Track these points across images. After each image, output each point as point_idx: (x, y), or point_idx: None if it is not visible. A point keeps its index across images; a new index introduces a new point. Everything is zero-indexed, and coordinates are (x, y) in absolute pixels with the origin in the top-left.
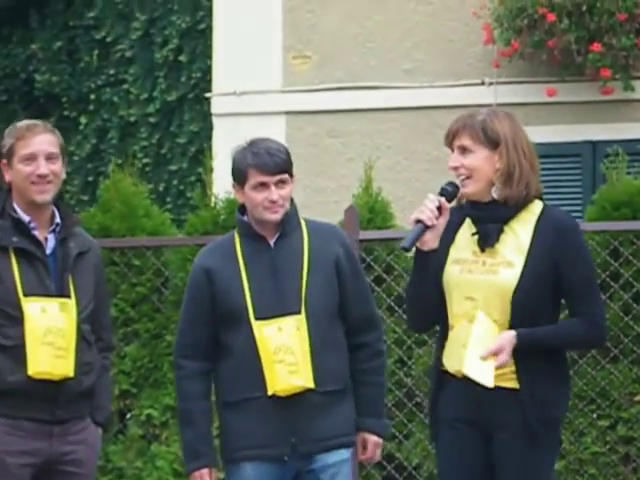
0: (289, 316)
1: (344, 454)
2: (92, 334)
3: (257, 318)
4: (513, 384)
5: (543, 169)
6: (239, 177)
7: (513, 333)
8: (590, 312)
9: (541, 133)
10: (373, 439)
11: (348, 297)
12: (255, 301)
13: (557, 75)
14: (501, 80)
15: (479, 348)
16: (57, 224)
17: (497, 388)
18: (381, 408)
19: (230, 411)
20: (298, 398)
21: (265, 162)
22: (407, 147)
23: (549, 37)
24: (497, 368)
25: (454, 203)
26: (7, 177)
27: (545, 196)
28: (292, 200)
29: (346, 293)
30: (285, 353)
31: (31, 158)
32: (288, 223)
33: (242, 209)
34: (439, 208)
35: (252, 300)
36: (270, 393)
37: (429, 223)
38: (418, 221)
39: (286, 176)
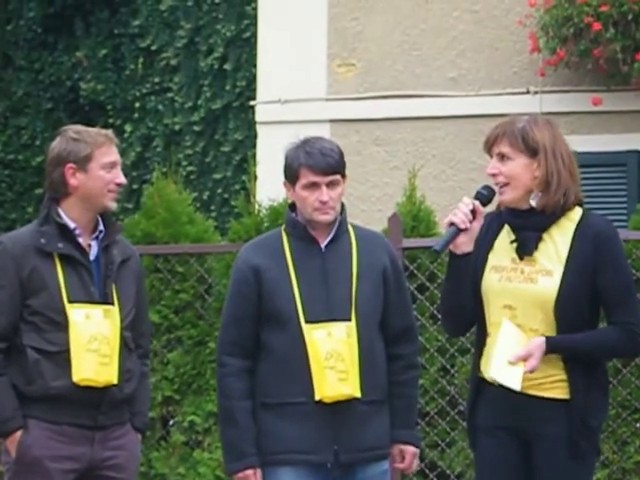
0: (339, 322)
1: (384, 465)
2: (132, 341)
3: (307, 321)
4: (554, 393)
5: (588, 178)
6: (291, 175)
7: (542, 339)
8: (626, 321)
9: (586, 142)
10: (411, 450)
11: (390, 307)
12: (305, 304)
13: (603, 84)
14: (546, 89)
15: (506, 353)
16: (100, 231)
17: (538, 397)
18: (414, 420)
19: (269, 413)
20: (343, 406)
21: (317, 162)
22: (452, 156)
23: (595, 46)
24: (531, 375)
25: (493, 208)
26: (74, 182)
27: (590, 205)
28: (343, 204)
29: (389, 303)
30: (336, 360)
31: (112, 166)
32: (340, 227)
33: (293, 207)
34: (473, 211)
35: (302, 302)
36: (317, 399)
37: (462, 226)
38: (451, 224)
39: (338, 177)
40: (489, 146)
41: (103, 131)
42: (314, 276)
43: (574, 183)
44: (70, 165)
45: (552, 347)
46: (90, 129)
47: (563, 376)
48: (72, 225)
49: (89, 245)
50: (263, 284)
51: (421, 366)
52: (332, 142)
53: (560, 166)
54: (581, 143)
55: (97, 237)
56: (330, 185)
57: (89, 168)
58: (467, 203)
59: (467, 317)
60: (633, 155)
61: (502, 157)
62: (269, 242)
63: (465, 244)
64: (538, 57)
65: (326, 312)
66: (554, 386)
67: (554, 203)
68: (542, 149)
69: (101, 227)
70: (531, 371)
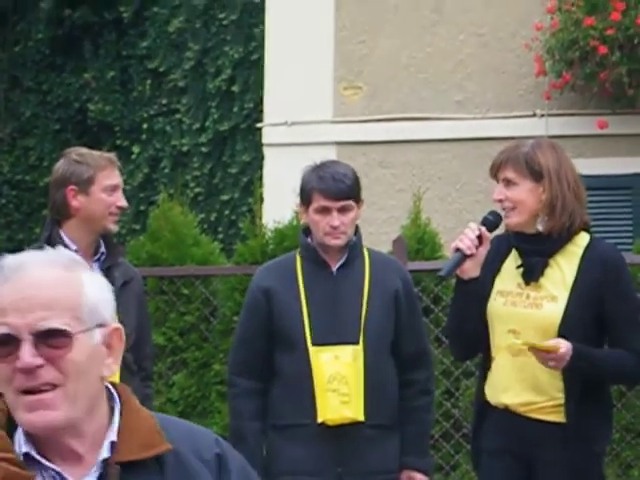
0: (346, 345)
1: None
2: (135, 363)
3: (314, 344)
4: (557, 417)
5: (594, 201)
6: (304, 198)
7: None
8: (635, 349)
9: (592, 165)
10: (419, 478)
11: (403, 332)
12: (313, 326)
13: (608, 107)
14: (552, 112)
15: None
16: (102, 253)
17: (540, 421)
18: (426, 446)
19: (277, 434)
20: (347, 429)
21: (329, 187)
22: (458, 178)
23: (601, 69)
24: (532, 399)
25: (502, 232)
26: (75, 203)
27: (596, 228)
28: (357, 228)
29: (401, 327)
30: (339, 382)
31: (114, 189)
32: (352, 251)
33: (307, 230)
34: (479, 237)
35: (310, 325)
36: (319, 421)
37: (468, 252)
38: (457, 249)
39: (350, 202)
40: (495, 172)
41: (106, 154)
42: (324, 299)
43: (580, 206)
44: (72, 187)
45: (577, 350)
46: (93, 152)
47: (564, 400)
48: (73, 247)
49: (90, 267)
50: (273, 306)
51: None
52: (347, 167)
53: (565, 189)
54: (587, 166)
55: (99, 259)
56: (342, 210)
57: (91, 191)
58: (473, 229)
59: (474, 341)
60: (639, 178)
61: (507, 182)
62: (283, 265)
63: (471, 269)
64: (544, 80)
65: (334, 335)
66: (555, 410)
67: (560, 226)
68: (546, 173)
69: (102, 249)
70: (558, 357)
